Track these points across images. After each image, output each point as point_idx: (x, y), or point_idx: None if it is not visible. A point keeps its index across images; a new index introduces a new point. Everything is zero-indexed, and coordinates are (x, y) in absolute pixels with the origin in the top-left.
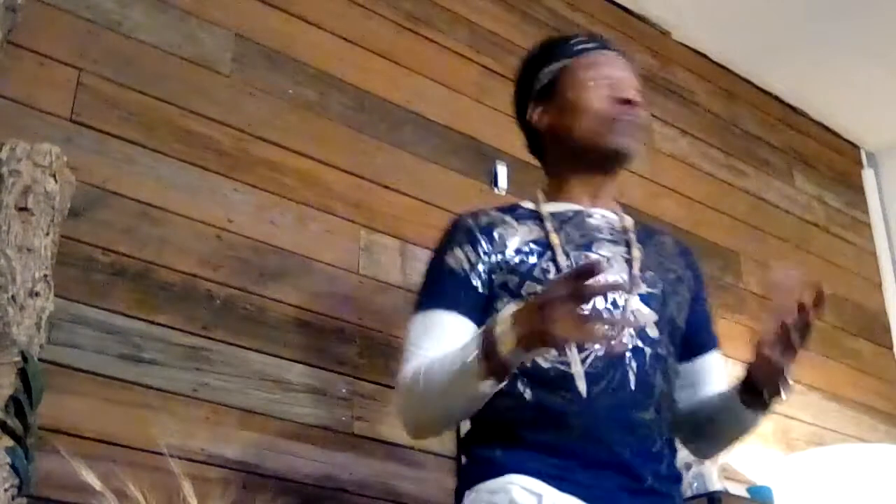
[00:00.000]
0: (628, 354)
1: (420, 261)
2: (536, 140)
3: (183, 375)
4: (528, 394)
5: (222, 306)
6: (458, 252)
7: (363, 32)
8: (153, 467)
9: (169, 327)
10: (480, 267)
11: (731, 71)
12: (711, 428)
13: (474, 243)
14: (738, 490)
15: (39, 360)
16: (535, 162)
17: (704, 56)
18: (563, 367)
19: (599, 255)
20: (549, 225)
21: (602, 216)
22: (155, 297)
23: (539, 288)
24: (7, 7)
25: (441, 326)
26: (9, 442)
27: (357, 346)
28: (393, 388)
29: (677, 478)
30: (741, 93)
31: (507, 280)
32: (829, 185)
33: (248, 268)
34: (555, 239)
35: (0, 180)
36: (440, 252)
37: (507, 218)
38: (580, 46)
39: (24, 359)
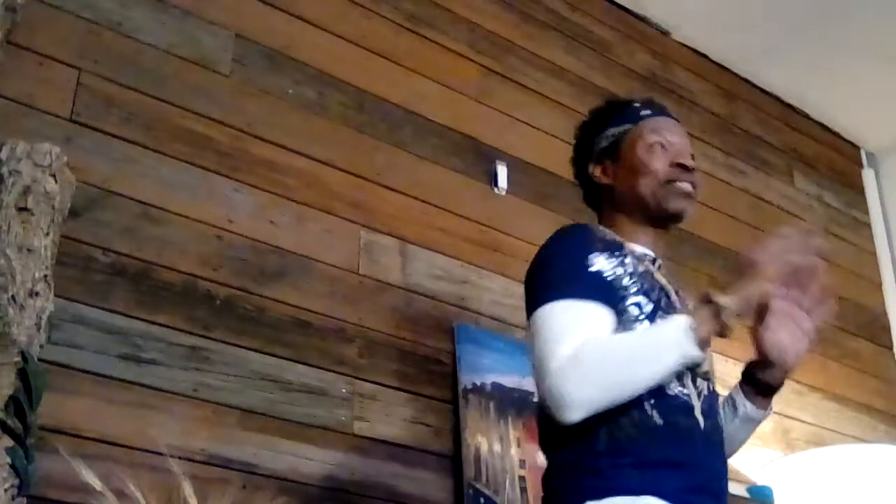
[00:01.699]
0: (715, 398)
1: (420, 261)
2: (595, 193)
3: (183, 375)
4: (657, 417)
5: (222, 306)
6: (599, 256)
7: (363, 32)
8: (153, 467)
9: (169, 327)
10: (617, 281)
11: (731, 71)
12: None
13: (610, 254)
14: (738, 490)
15: (39, 360)
16: (537, 163)
17: (704, 56)
18: (685, 398)
19: (683, 301)
20: (649, 265)
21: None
22: (155, 297)
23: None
24: (7, 7)
25: (596, 318)
26: (9, 442)
27: (357, 346)
28: (393, 387)
29: None
30: (741, 93)
31: (641, 302)
32: (829, 185)
33: (248, 268)
34: (661, 278)
35: (0, 180)
36: (578, 249)
37: (618, 243)
38: (643, 112)
39: (24, 359)
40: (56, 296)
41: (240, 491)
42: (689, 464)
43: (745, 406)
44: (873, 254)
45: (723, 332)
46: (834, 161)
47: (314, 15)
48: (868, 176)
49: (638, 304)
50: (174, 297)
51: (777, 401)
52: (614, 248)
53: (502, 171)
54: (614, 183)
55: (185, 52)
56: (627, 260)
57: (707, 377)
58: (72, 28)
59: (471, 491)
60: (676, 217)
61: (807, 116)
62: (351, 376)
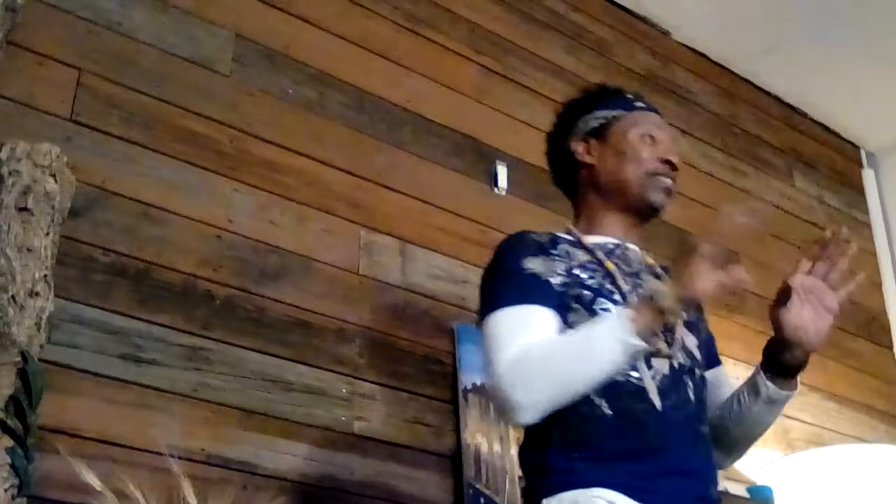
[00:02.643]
0: (685, 374)
1: (420, 261)
2: (570, 172)
3: (183, 375)
4: (605, 407)
5: (222, 306)
6: (534, 260)
7: (363, 32)
8: (153, 467)
9: (169, 327)
10: (555, 279)
11: (731, 71)
12: (738, 427)
13: (545, 255)
14: (738, 490)
15: (39, 360)
16: (537, 163)
17: (704, 56)
18: (637, 382)
19: (643, 283)
20: (599, 254)
21: (634, 251)
22: (155, 297)
23: (610, 305)
24: (7, 7)
25: (536, 319)
26: (9, 442)
27: (357, 346)
28: (393, 387)
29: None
30: (741, 93)
31: (580, 294)
32: (829, 185)
33: (248, 268)
34: (610, 265)
35: (0, 180)
36: (511, 258)
37: (558, 239)
38: (638, 103)
39: (24, 359)
40: (56, 296)
41: (240, 491)
42: (646, 449)
43: (768, 387)
44: (873, 254)
45: (664, 317)
46: (834, 161)
47: (314, 15)
48: (868, 176)
49: (578, 297)
50: (174, 297)
51: None
52: (548, 248)
53: (502, 171)
54: (597, 163)
55: (185, 52)
56: (565, 255)
57: (669, 357)
58: (72, 28)
59: (471, 491)
60: (654, 210)
61: (807, 116)
62: (350, 376)
